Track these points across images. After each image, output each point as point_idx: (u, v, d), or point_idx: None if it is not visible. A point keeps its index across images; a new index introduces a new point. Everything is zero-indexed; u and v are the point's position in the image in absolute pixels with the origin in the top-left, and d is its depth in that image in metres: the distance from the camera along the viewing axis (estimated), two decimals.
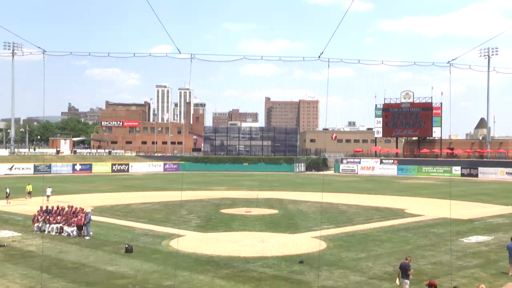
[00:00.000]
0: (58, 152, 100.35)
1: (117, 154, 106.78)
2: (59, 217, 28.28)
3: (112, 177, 78.29)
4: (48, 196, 40.68)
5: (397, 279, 16.98)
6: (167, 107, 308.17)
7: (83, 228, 26.77)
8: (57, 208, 29.72)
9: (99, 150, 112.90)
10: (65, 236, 26.89)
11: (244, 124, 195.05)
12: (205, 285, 17.85)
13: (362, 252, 23.65)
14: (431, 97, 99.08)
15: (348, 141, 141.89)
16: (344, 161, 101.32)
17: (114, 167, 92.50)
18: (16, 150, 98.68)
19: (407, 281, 16.58)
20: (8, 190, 42.26)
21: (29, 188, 44.62)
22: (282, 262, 21.35)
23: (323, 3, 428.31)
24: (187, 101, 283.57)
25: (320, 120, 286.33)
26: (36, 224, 28.33)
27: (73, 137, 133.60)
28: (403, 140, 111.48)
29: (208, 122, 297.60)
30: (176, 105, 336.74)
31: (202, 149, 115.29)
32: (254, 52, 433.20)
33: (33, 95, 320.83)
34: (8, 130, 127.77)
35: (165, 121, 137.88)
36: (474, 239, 27.31)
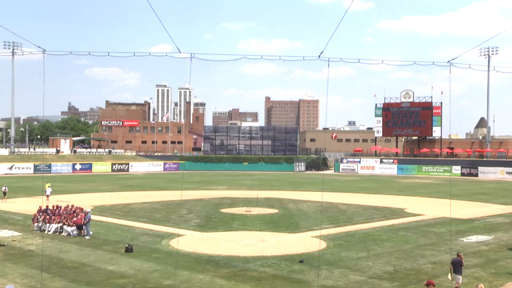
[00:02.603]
0: (58, 151, 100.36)
1: (117, 153, 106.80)
2: (61, 217, 28.27)
3: (112, 177, 78.29)
4: (47, 196, 40.75)
5: (449, 274, 17.18)
6: (167, 106, 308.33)
7: (83, 227, 26.77)
8: (57, 207, 29.73)
9: (99, 150, 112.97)
10: (65, 235, 26.89)
11: (244, 124, 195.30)
12: (205, 284, 17.85)
13: (362, 251, 23.65)
14: (431, 97, 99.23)
15: (348, 140, 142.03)
16: (344, 160, 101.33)
17: (114, 166, 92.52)
18: (16, 149, 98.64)
19: (460, 277, 16.83)
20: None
21: (47, 186, 45.12)
22: (282, 261, 21.35)
23: (323, 3, 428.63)
24: (187, 100, 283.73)
25: (320, 120, 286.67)
26: (36, 224, 28.34)
27: (73, 136, 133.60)
28: (403, 139, 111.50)
29: (208, 121, 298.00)
30: (176, 104, 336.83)
31: (202, 148, 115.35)
32: (254, 51, 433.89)
33: (33, 95, 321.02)
34: (8, 130, 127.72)
35: (165, 121, 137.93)
36: (474, 238, 27.31)
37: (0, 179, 62.00)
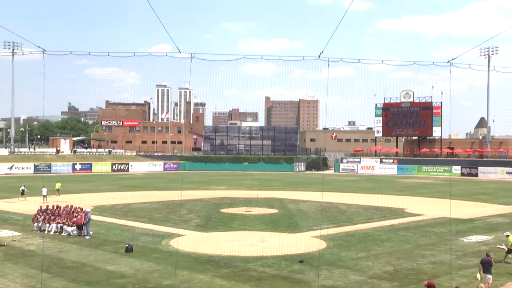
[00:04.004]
0: (58, 151, 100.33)
1: (117, 153, 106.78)
2: (61, 217, 28.26)
3: (112, 177, 78.27)
4: (44, 196, 40.73)
5: (478, 274, 17.39)
6: (167, 106, 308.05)
7: (83, 227, 26.78)
8: (57, 207, 29.73)
9: (99, 150, 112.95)
10: (65, 235, 26.90)
11: (244, 124, 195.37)
12: (205, 284, 17.85)
13: (362, 251, 23.65)
14: (431, 97, 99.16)
15: (348, 140, 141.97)
16: (344, 160, 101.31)
17: (114, 166, 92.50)
18: (16, 149, 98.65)
19: (490, 276, 17.03)
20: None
21: (58, 185, 45.47)
22: (282, 261, 21.36)
23: (323, 3, 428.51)
24: (187, 100, 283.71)
25: (320, 120, 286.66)
26: (36, 224, 28.34)
27: (73, 136, 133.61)
28: (403, 139, 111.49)
29: (208, 121, 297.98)
30: (176, 104, 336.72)
31: (202, 148, 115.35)
32: (254, 51, 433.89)
33: (33, 95, 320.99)
34: (8, 130, 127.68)
35: (165, 121, 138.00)
36: (474, 238, 27.31)
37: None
